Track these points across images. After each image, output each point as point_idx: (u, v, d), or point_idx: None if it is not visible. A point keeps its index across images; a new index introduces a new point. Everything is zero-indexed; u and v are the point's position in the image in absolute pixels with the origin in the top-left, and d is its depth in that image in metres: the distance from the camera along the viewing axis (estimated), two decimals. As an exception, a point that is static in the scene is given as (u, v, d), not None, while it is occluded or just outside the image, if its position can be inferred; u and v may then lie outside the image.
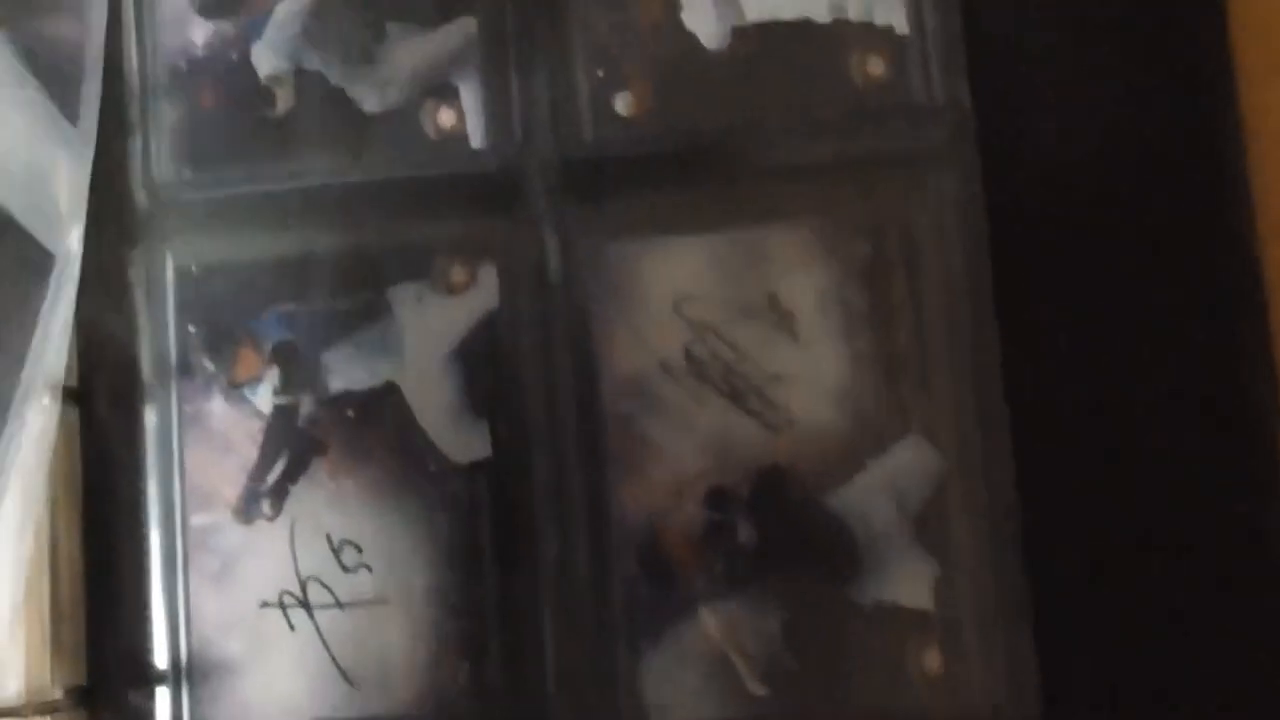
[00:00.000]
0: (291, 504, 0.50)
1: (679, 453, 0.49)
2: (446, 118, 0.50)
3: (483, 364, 0.50)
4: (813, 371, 0.49)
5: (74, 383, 0.50)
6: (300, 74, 0.51)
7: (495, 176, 0.50)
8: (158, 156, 0.51)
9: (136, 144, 0.51)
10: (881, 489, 0.48)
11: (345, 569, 0.49)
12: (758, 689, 0.48)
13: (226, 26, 0.51)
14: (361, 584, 0.49)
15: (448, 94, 0.50)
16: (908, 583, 0.48)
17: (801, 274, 0.49)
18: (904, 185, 0.49)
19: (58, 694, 0.48)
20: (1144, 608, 0.47)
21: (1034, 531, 0.47)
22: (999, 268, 0.48)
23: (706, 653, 0.48)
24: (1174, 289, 0.48)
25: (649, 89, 0.50)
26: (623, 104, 0.50)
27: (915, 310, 0.49)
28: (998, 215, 0.48)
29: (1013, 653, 0.46)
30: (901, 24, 0.49)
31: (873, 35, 0.49)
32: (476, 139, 0.50)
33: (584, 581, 0.49)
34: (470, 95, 0.50)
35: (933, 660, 0.47)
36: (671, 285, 0.49)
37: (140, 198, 0.51)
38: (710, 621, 0.48)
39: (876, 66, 0.49)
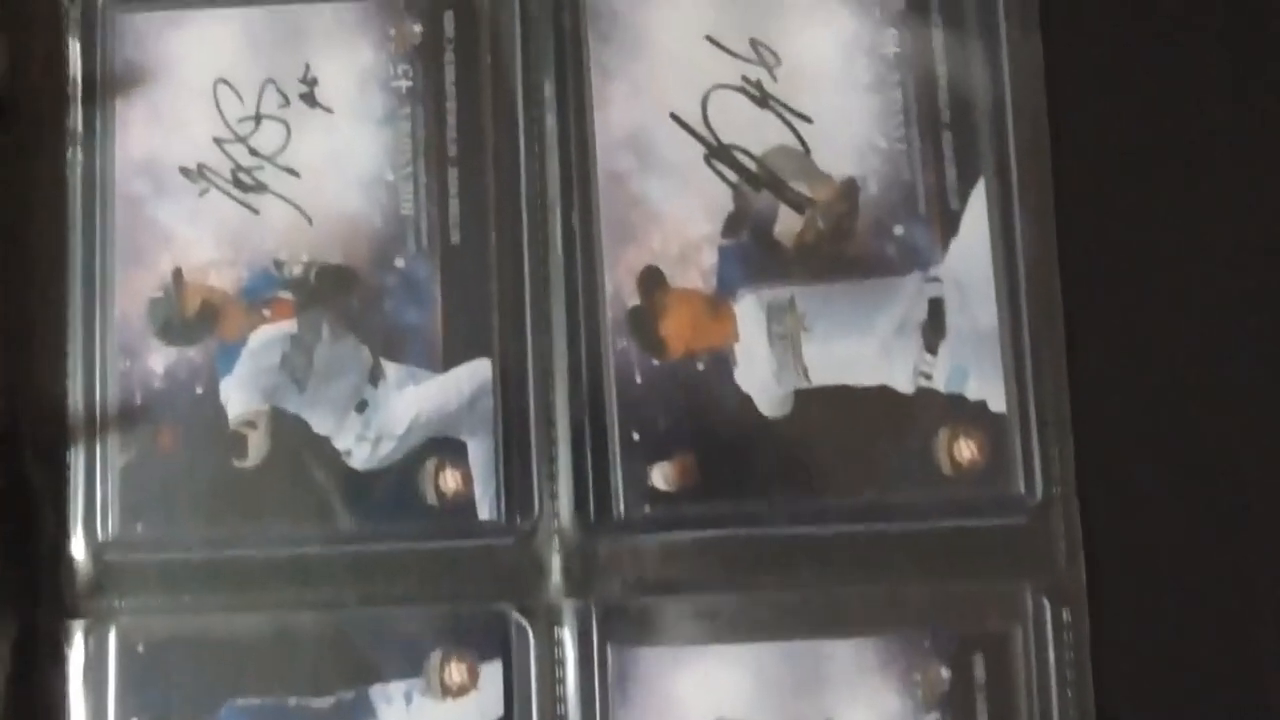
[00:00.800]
0: None
1: None
2: (450, 481, 0.43)
3: None
4: None
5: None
6: (277, 416, 0.43)
7: (505, 556, 0.43)
8: (104, 508, 0.44)
9: (78, 492, 0.44)
10: None
11: None
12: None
13: (191, 354, 0.44)
14: None
15: (452, 452, 0.43)
16: None
17: (865, 695, 0.41)
18: (994, 599, 0.41)
19: None
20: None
21: None
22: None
23: None
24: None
25: (693, 460, 0.42)
26: (661, 476, 0.42)
27: None
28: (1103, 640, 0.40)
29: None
30: (998, 400, 0.41)
31: (964, 411, 0.42)
32: (485, 508, 0.43)
33: None
34: (480, 455, 0.43)
35: None
36: (713, 704, 0.42)
37: (81, 558, 0.43)
38: None
39: (967, 450, 0.41)
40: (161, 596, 0.43)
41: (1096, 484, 0.42)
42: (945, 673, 0.41)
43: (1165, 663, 0.41)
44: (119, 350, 0.44)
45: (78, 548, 0.43)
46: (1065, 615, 0.41)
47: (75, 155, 0.45)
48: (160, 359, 0.44)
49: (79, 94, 0.45)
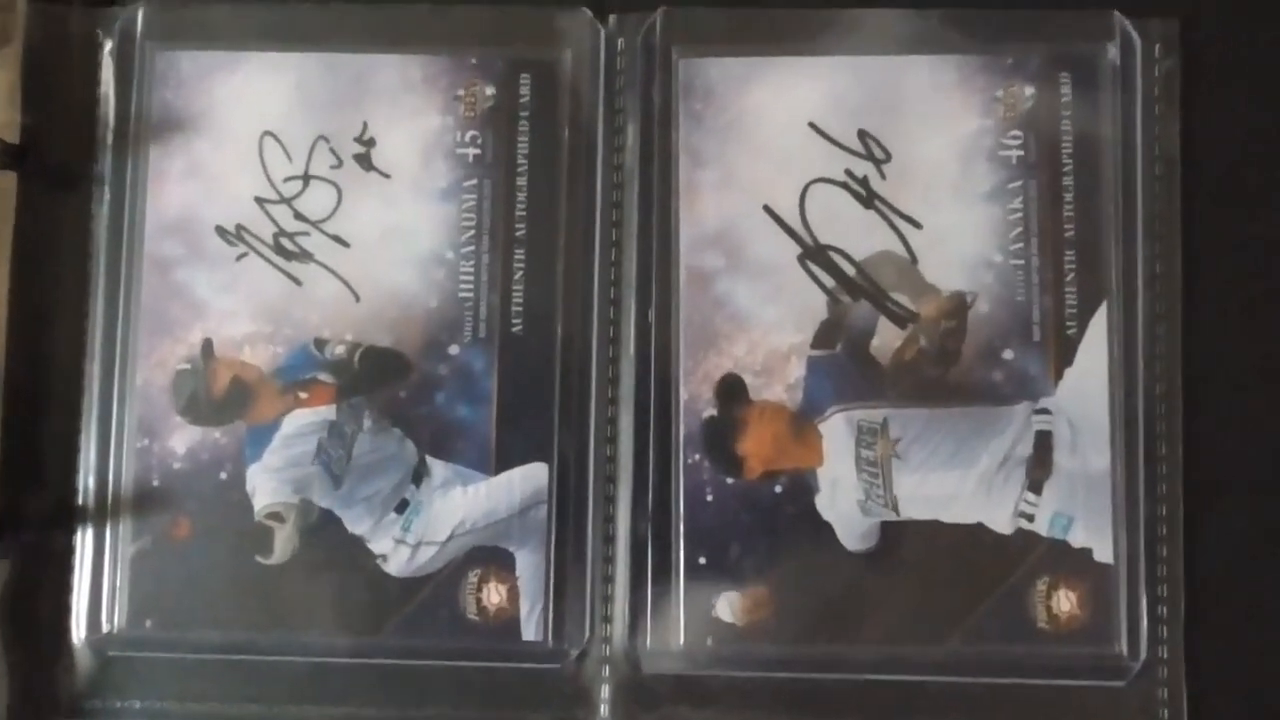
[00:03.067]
0: None
1: None
2: (494, 594, 0.41)
3: None
4: None
5: None
6: (308, 511, 0.41)
7: (550, 681, 0.41)
8: (110, 599, 0.41)
9: (83, 580, 0.41)
10: None
11: None
12: None
13: (217, 435, 0.41)
14: None
15: (499, 563, 0.40)
16: None
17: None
18: None
19: None
20: None
21: None
22: None
23: None
24: None
25: (765, 593, 0.39)
26: (728, 607, 0.39)
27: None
28: None
29: None
30: (1105, 550, 0.38)
31: (1066, 560, 0.39)
32: (530, 628, 0.40)
33: None
34: (529, 569, 0.41)
35: None
36: None
37: (81, 655, 0.41)
38: None
39: (1066, 602, 0.38)
40: (169, 701, 0.41)
41: (1208, 649, 0.39)
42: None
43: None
44: (138, 426, 0.41)
45: (79, 641, 0.40)
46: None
47: (102, 206, 0.42)
48: (183, 439, 0.41)
49: (109, 138, 0.41)
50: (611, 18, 0.42)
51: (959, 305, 0.41)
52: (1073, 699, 0.40)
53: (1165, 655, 0.40)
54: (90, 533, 0.42)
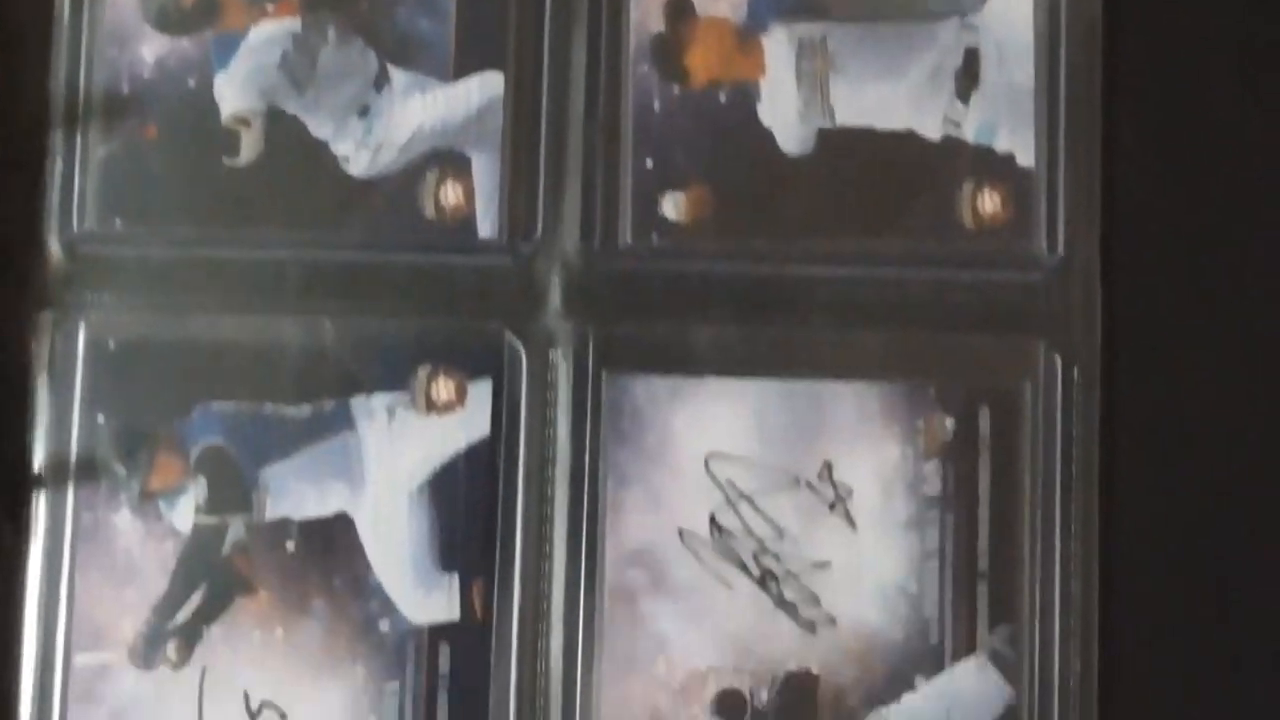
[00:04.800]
0: (203, 650, 0.43)
1: (689, 644, 0.43)
2: (451, 194, 0.43)
3: (460, 504, 0.44)
4: (866, 563, 0.43)
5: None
6: (273, 116, 0.44)
7: (502, 275, 0.44)
8: (81, 200, 0.44)
9: (55, 180, 0.43)
10: (932, 718, 0.41)
11: None
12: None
13: (186, 45, 0.43)
14: None
15: (455, 165, 0.43)
16: None
17: (866, 444, 0.42)
18: (1006, 353, 0.43)
19: None
20: None
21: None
22: (1111, 469, 0.42)
23: None
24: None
25: (706, 192, 0.43)
26: (672, 206, 0.43)
27: (1001, 503, 0.43)
28: (1116, 406, 0.41)
29: None
30: (1027, 154, 0.42)
31: (990, 163, 0.42)
32: (485, 226, 0.43)
33: None
34: (484, 170, 0.44)
35: None
36: (704, 437, 0.44)
37: (54, 249, 0.44)
38: None
39: (991, 202, 0.42)
40: (136, 294, 0.44)
41: (1120, 248, 0.42)
42: (949, 423, 0.42)
43: (1174, 429, 0.42)
44: (109, 36, 0.44)
45: (51, 237, 0.43)
46: (1076, 374, 0.42)
47: None
48: (152, 48, 0.44)
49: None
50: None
51: (894, -77, 0.45)
52: (998, 292, 0.43)
53: (1081, 252, 0.44)
54: (61, 137, 0.44)
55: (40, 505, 0.43)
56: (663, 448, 0.43)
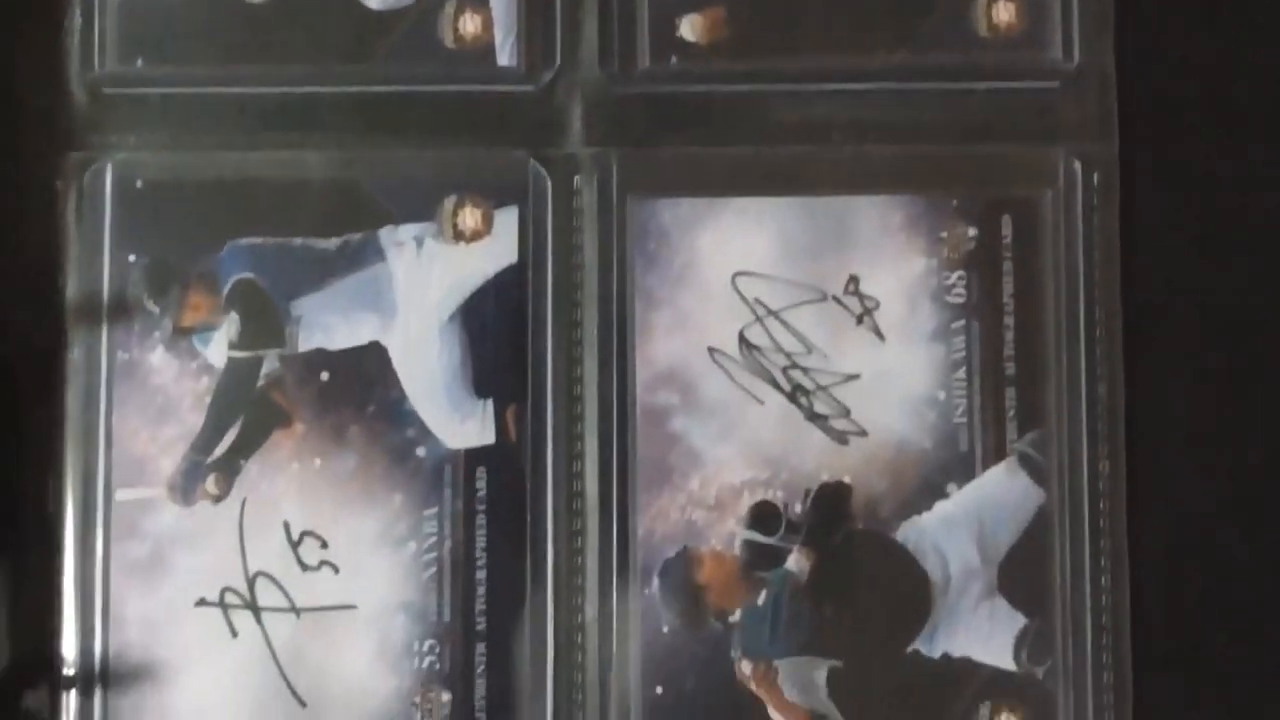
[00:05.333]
0: (243, 483, 0.44)
1: (721, 459, 0.44)
2: (470, 24, 0.44)
3: (491, 331, 0.44)
4: (895, 374, 0.44)
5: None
6: None
7: (524, 103, 0.44)
8: (103, 40, 0.45)
9: (76, 22, 0.45)
10: (964, 523, 0.42)
11: (304, 566, 0.44)
12: (801, 750, 0.44)
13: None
14: (323, 586, 0.44)
15: None
16: (986, 638, 0.42)
17: (891, 255, 0.42)
18: (1025, 160, 0.44)
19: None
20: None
21: (1144, 587, 0.43)
22: (1131, 270, 0.43)
23: (739, 704, 0.43)
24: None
25: (722, 13, 0.44)
26: (690, 28, 0.44)
27: (1026, 311, 0.44)
28: (1134, 209, 0.43)
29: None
30: (1041, -31, 0.43)
31: (1005, -31, 0.43)
32: (505, 54, 0.44)
33: (596, 609, 0.43)
34: (502, 0, 0.43)
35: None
36: (730, 255, 0.44)
37: (78, 92, 0.45)
38: (746, 668, 0.42)
39: (1005, 12, 0.42)
40: (161, 133, 0.45)
41: (1137, 55, 0.42)
42: (972, 233, 0.42)
43: (1193, 231, 0.43)
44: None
45: (74, 80, 0.43)
46: (1096, 179, 0.42)
47: None
48: None
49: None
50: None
51: None
52: (1016, 101, 0.43)
53: (1097, 59, 0.44)
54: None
55: (75, 346, 0.43)
56: (689, 269, 0.44)
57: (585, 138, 0.44)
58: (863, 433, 0.44)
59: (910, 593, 0.43)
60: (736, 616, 0.43)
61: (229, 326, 0.44)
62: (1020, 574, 0.43)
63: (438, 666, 0.44)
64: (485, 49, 0.44)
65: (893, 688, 0.43)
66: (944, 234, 0.43)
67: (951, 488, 0.43)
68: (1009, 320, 0.43)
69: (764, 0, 0.44)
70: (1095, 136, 0.44)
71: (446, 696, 0.44)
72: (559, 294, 0.44)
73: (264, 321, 0.44)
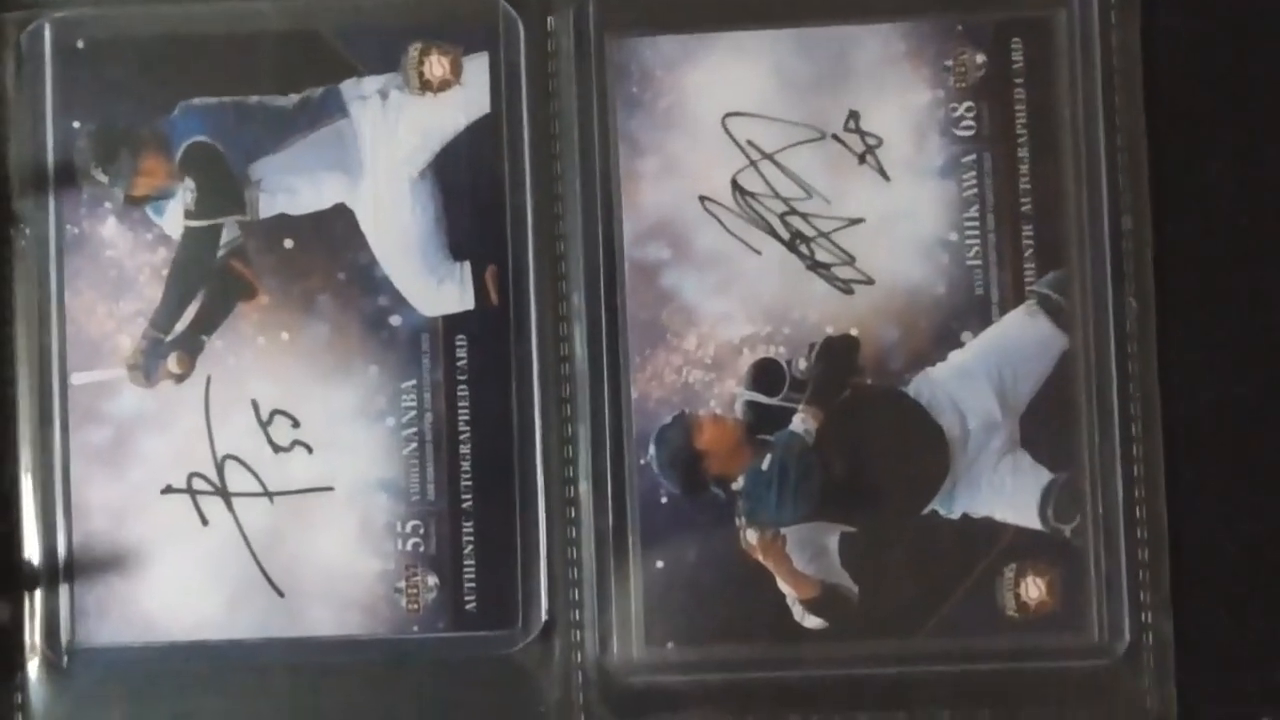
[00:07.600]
0: (206, 361, 0.42)
1: (718, 316, 0.42)
2: None
3: (466, 188, 0.42)
4: (902, 215, 0.41)
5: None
6: None
7: None
8: None
9: None
10: (982, 373, 0.40)
11: (276, 447, 0.42)
12: (809, 622, 0.41)
13: None
14: (296, 467, 0.42)
15: None
16: (1008, 496, 0.41)
17: (893, 88, 0.41)
18: None
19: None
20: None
21: (1176, 438, 0.41)
22: (1154, 94, 0.41)
23: (745, 577, 0.41)
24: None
25: None
26: None
27: (1041, 141, 0.41)
28: (1156, 27, 0.41)
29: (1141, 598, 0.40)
30: None
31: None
32: None
33: (590, 482, 0.41)
34: None
35: (1032, 590, 0.40)
36: (720, 95, 0.42)
37: None
38: (751, 537, 0.41)
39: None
40: None
41: None
42: (980, 59, 0.41)
43: (1221, 56, 0.40)
44: None
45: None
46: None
47: None
48: None
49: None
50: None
51: None
52: None
53: None
54: None
55: (20, 222, 0.41)
56: (676, 111, 0.42)
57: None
58: (869, 280, 0.42)
59: (926, 450, 0.41)
60: (740, 483, 0.42)
61: (184, 194, 0.42)
62: (1044, 425, 0.41)
63: (423, 548, 0.42)
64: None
65: (909, 552, 0.41)
66: (950, 61, 0.41)
67: (967, 336, 0.41)
68: (1023, 152, 0.41)
69: None
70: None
71: (433, 580, 0.42)
72: (536, 145, 0.42)
73: (221, 187, 0.42)
